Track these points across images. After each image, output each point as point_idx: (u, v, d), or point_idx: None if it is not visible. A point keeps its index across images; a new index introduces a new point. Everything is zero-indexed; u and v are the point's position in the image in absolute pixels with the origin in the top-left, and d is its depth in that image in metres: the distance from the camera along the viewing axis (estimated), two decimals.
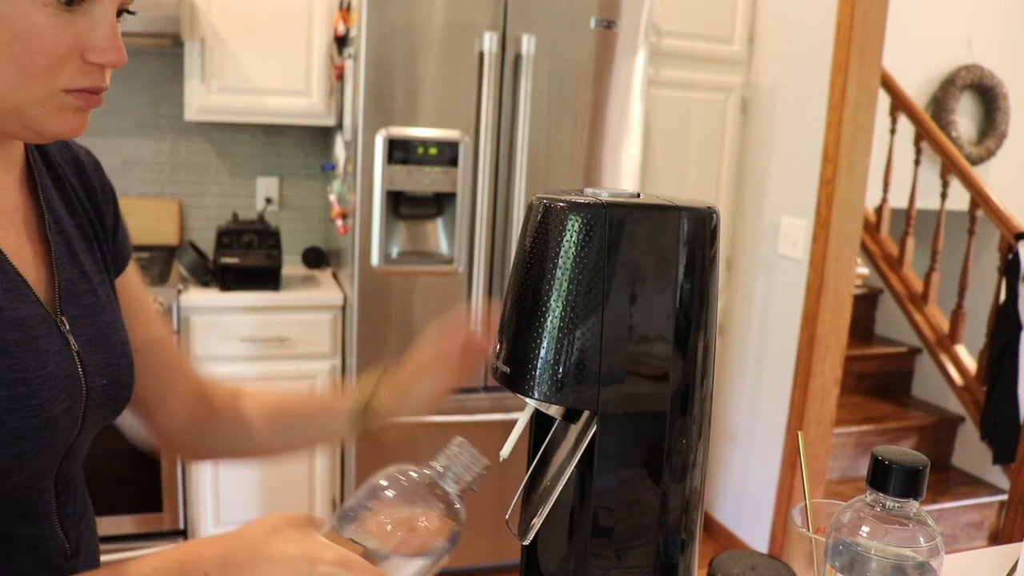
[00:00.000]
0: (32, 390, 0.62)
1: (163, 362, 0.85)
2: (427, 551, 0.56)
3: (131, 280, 0.83)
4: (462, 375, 0.84)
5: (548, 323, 0.55)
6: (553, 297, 0.55)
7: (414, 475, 0.57)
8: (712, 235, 0.58)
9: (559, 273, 0.55)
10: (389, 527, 0.56)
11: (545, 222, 0.56)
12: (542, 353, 0.55)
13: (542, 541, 0.67)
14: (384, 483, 0.57)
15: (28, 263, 0.67)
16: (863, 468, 3.29)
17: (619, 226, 0.54)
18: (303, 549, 0.55)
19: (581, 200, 0.56)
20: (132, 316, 0.81)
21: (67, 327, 0.68)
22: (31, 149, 0.72)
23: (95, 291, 0.73)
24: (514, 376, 0.57)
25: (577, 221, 0.54)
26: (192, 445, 0.91)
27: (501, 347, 0.59)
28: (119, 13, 0.65)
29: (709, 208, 0.58)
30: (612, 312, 0.54)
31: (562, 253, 0.54)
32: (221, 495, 2.48)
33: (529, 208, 0.58)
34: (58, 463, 0.68)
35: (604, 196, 0.58)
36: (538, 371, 0.55)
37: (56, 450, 0.66)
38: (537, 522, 0.61)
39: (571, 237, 0.54)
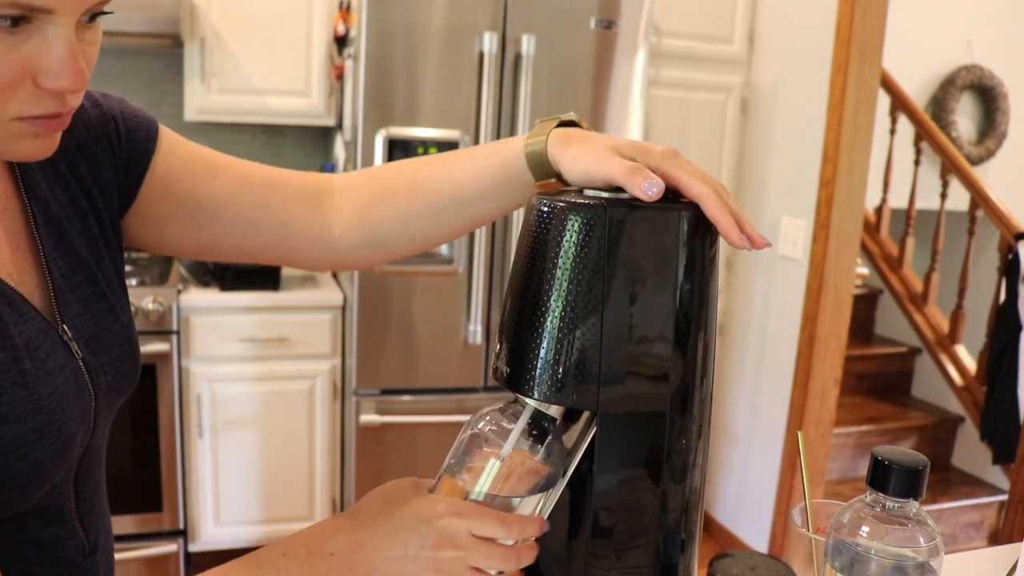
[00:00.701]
0: (50, 417, 0.60)
1: (260, 199, 0.76)
2: (532, 489, 0.57)
3: (169, 153, 0.74)
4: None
5: (548, 323, 0.55)
6: (553, 297, 0.55)
7: (504, 422, 0.58)
8: (712, 235, 0.58)
9: (559, 273, 0.55)
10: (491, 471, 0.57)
11: (545, 222, 0.56)
12: (542, 353, 0.55)
13: (542, 541, 0.67)
14: (477, 431, 0.59)
15: (22, 269, 0.63)
16: (863, 468, 3.29)
17: (619, 226, 0.54)
18: (415, 510, 0.56)
19: (581, 200, 0.56)
20: (193, 184, 0.74)
21: (69, 335, 0.65)
22: None
23: (92, 276, 0.69)
24: (514, 376, 0.57)
25: (577, 221, 0.54)
26: (369, 249, 0.80)
27: (501, 347, 0.59)
28: (93, 17, 0.56)
29: None
30: (612, 312, 0.54)
31: (562, 253, 0.54)
32: (221, 495, 2.48)
33: (528, 208, 0.58)
34: (76, 466, 0.67)
35: (604, 196, 0.58)
36: (538, 371, 0.55)
37: (75, 460, 0.65)
38: None
39: (571, 237, 0.54)
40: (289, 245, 0.79)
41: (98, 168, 0.71)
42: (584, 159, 0.62)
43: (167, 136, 0.76)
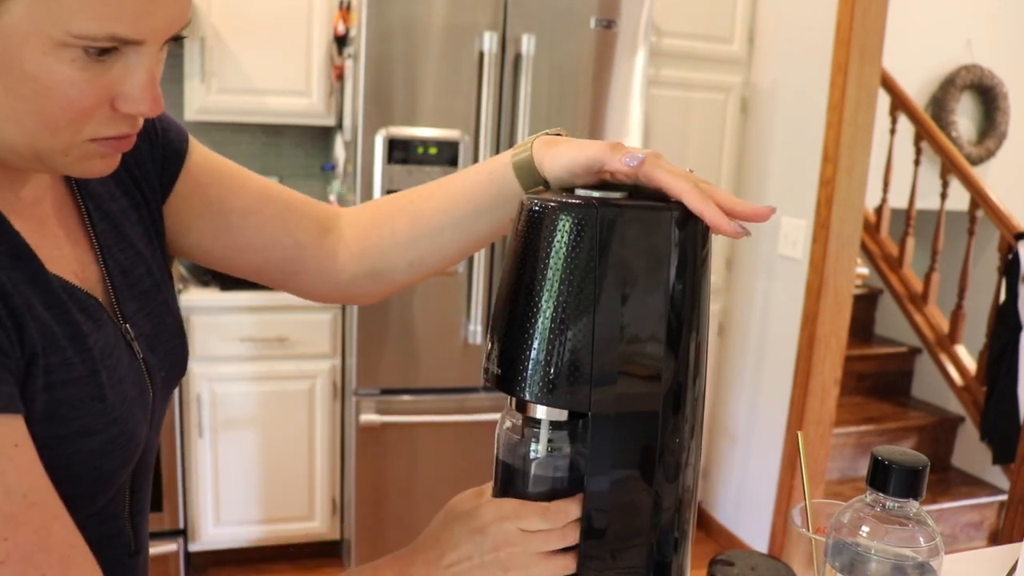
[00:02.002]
0: (123, 427, 0.60)
1: (280, 217, 0.78)
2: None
3: (199, 161, 0.75)
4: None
5: (539, 324, 0.55)
6: (544, 298, 0.55)
7: None
8: (704, 235, 0.58)
9: (550, 273, 0.54)
10: None
11: (536, 222, 0.56)
12: (533, 354, 0.55)
13: None
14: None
15: (84, 266, 0.63)
16: (863, 468, 3.29)
17: (610, 226, 0.54)
18: (467, 522, 0.60)
19: (572, 200, 0.55)
20: (220, 192, 0.75)
21: (131, 334, 0.65)
22: None
23: (149, 269, 0.69)
24: (505, 377, 0.57)
25: (568, 221, 0.54)
26: (370, 279, 0.81)
27: (492, 348, 0.59)
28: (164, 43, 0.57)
29: None
30: (604, 312, 0.54)
31: (553, 253, 0.54)
32: (221, 495, 2.48)
33: (520, 208, 0.58)
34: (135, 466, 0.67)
35: (595, 196, 0.58)
36: (529, 372, 0.55)
37: (136, 460, 0.65)
38: None
39: (562, 237, 0.54)
40: (298, 268, 0.79)
41: (141, 158, 0.71)
42: (567, 151, 0.64)
43: (197, 143, 0.78)
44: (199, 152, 0.76)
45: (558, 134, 0.70)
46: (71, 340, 0.58)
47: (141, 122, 0.58)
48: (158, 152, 0.73)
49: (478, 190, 0.73)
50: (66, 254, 0.63)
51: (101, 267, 0.65)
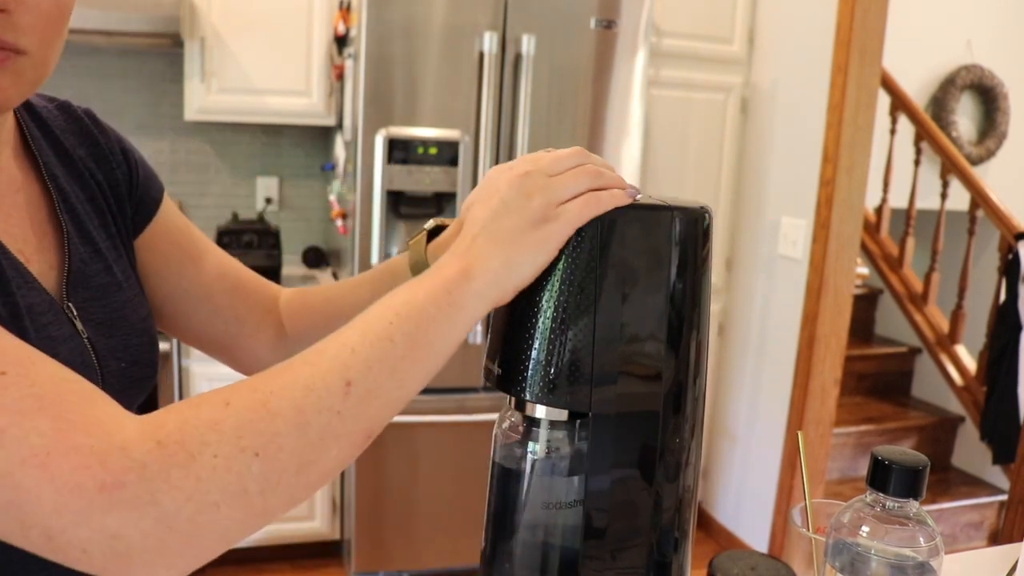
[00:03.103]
0: None
1: (228, 293, 0.81)
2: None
3: (168, 219, 0.79)
4: None
5: (540, 324, 0.55)
6: (545, 297, 0.55)
7: None
8: (704, 235, 0.58)
9: (551, 273, 0.55)
10: None
11: None
12: (534, 354, 0.55)
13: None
14: None
15: (32, 248, 0.65)
16: (863, 468, 3.29)
17: (611, 226, 0.54)
18: (486, 188, 0.56)
19: None
20: (180, 257, 0.78)
21: (74, 313, 0.66)
22: (26, 122, 0.68)
23: (110, 269, 0.70)
24: (506, 377, 0.57)
25: None
26: None
27: (492, 348, 0.59)
28: None
29: (702, 208, 0.58)
30: (604, 312, 0.54)
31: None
32: None
33: None
34: None
35: None
36: (530, 372, 0.55)
37: None
38: None
39: None
40: (236, 344, 0.83)
41: (115, 183, 0.74)
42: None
43: (170, 200, 0.81)
44: (171, 209, 0.80)
45: (439, 227, 0.70)
46: None
47: (9, 32, 0.56)
48: (137, 188, 0.76)
49: (382, 289, 0.76)
50: (28, 237, 0.64)
51: (64, 251, 0.66)
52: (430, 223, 0.67)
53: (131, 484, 0.42)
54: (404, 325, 0.51)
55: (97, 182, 0.72)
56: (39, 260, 0.65)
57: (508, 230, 0.54)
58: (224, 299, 0.81)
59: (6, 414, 0.43)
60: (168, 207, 0.80)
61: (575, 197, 0.55)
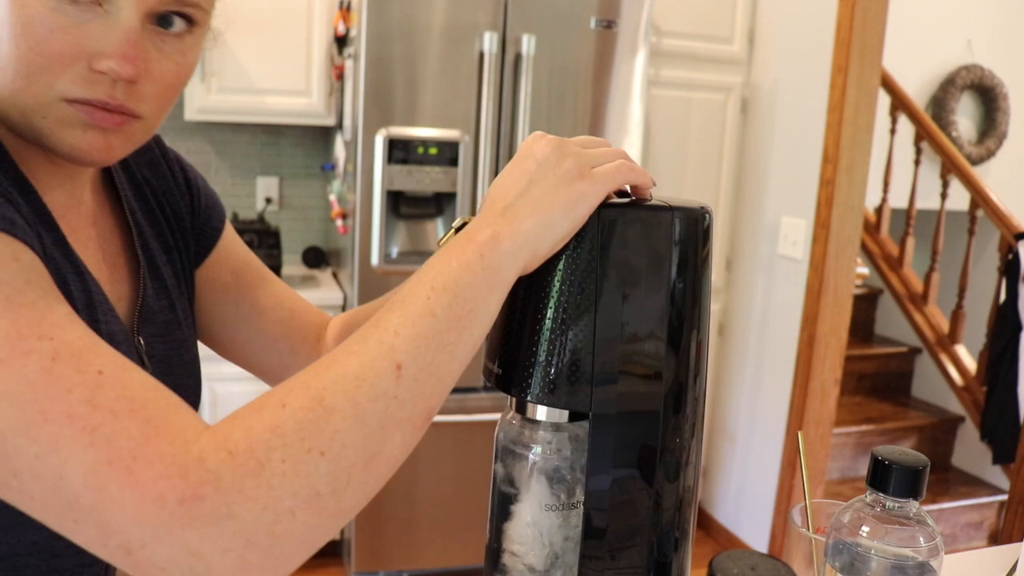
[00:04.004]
0: None
1: (283, 323, 0.81)
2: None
3: (228, 247, 0.79)
4: None
5: (540, 324, 0.55)
6: (545, 298, 0.55)
7: None
8: (704, 235, 0.58)
9: (551, 273, 0.55)
10: None
11: None
12: (534, 354, 0.55)
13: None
14: None
15: (104, 279, 0.64)
16: (863, 468, 3.29)
17: (611, 226, 0.54)
18: (516, 162, 0.56)
19: None
20: (239, 286, 0.78)
21: (143, 347, 0.66)
22: None
23: (173, 306, 0.71)
24: (506, 377, 0.57)
25: None
26: None
27: (493, 347, 0.59)
28: (162, 19, 0.57)
29: (702, 208, 0.58)
30: (604, 312, 0.54)
31: (554, 253, 0.54)
32: None
33: None
34: None
35: None
36: (530, 372, 0.55)
37: None
38: None
39: None
40: (288, 372, 0.82)
41: (180, 217, 0.75)
42: None
43: (231, 229, 0.81)
44: (230, 239, 0.80)
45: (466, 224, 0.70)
46: (86, 308, 0.59)
47: (126, 97, 0.56)
48: (199, 217, 0.76)
49: None
50: (102, 268, 0.65)
51: (139, 284, 0.67)
52: (458, 221, 0.66)
53: (209, 497, 0.42)
54: (442, 297, 0.50)
55: (165, 216, 0.73)
56: (111, 292, 0.65)
57: (542, 190, 0.53)
58: (278, 329, 0.81)
59: (100, 412, 0.42)
60: (228, 235, 0.80)
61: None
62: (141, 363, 0.65)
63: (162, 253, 0.72)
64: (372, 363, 0.47)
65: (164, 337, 0.69)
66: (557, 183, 0.53)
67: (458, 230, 0.63)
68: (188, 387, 0.71)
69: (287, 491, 0.43)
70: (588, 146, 0.56)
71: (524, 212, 0.52)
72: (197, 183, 0.77)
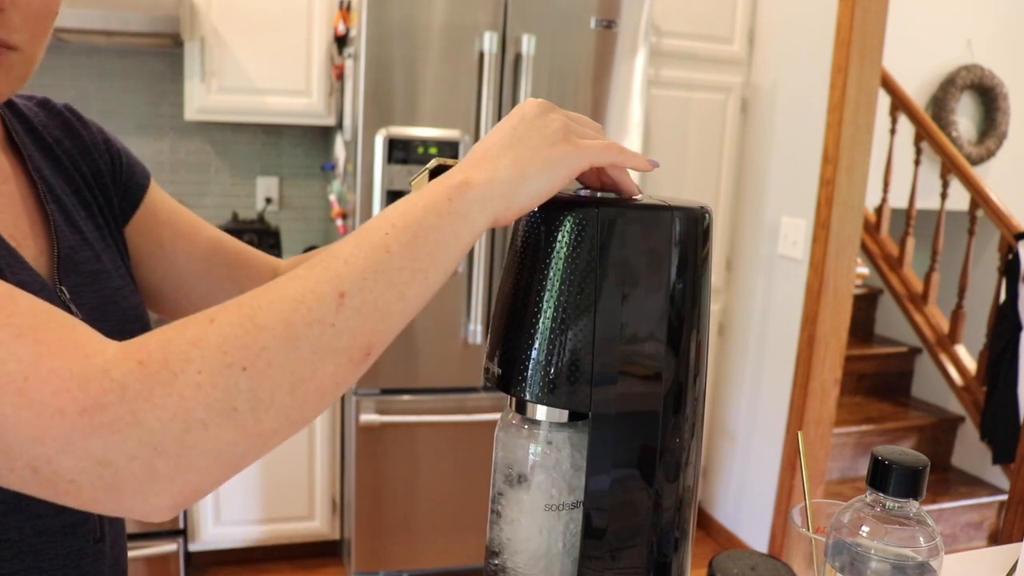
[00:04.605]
0: None
1: (227, 266, 0.81)
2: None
3: (156, 202, 0.79)
4: None
5: (540, 324, 0.55)
6: (545, 297, 0.55)
7: None
8: (704, 235, 0.58)
9: (551, 273, 0.54)
10: None
11: (536, 222, 0.56)
12: (534, 354, 0.55)
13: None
14: None
15: (24, 234, 0.65)
16: (863, 468, 3.29)
17: (611, 226, 0.54)
18: (539, 102, 0.56)
19: (573, 199, 0.56)
20: (172, 235, 0.79)
21: (67, 296, 0.66)
22: (9, 119, 0.70)
23: (99, 257, 0.71)
24: (505, 377, 0.57)
25: (569, 221, 0.54)
26: None
27: (492, 348, 0.59)
28: None
29: (702, 208, 0.58)
30: (604, 312, 0.54)
31: (553, 253, 0.54)
32: (221, 495, 2.48)
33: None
34: None
35: (596, 196, 0.58)
36: (529, 372, 0.55)
37: None
38: None
39: (563, 237, 0.54)
40: None
41: (99, 173, 0.75)
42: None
43: (158, 186, 0.81)
44: (159, 193, 0.80)
45: (442, 167, 0.67)
46: None
47: (10, 34, 0.58)
48: (120, 174, 0.77)
49: None
50: (20, 223, 0.65)
51: (52, 238, 0.67)
52: (432, 162, 0.64)
53: (112, 405, 0.41)
54: (401, 235, 0.48)
55: (82, 174, 0.73)
56: (30, 246, 0.65)
57: (524, 145, 0.52)
58: (223, 271, 0.81)
59: None
60: (156, 192, 0.80)
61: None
62: (68, 311, 0.64)
63: (80, 208, 0.72)
64: (314, 288, 0.46)
65: (92, 286, 0.69)
66: (540, 142, 0.52)
67: (432, 172, 0.62)
68: (131, 332, 0.70)
69: (200, 402, 0.42)
70: (580, 124, 0.56)
71: (501, 163, 0.51)
72: (116, 144, 0.78)
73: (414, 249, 0.49)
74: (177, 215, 0.81)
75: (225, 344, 0.43)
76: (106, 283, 0.70)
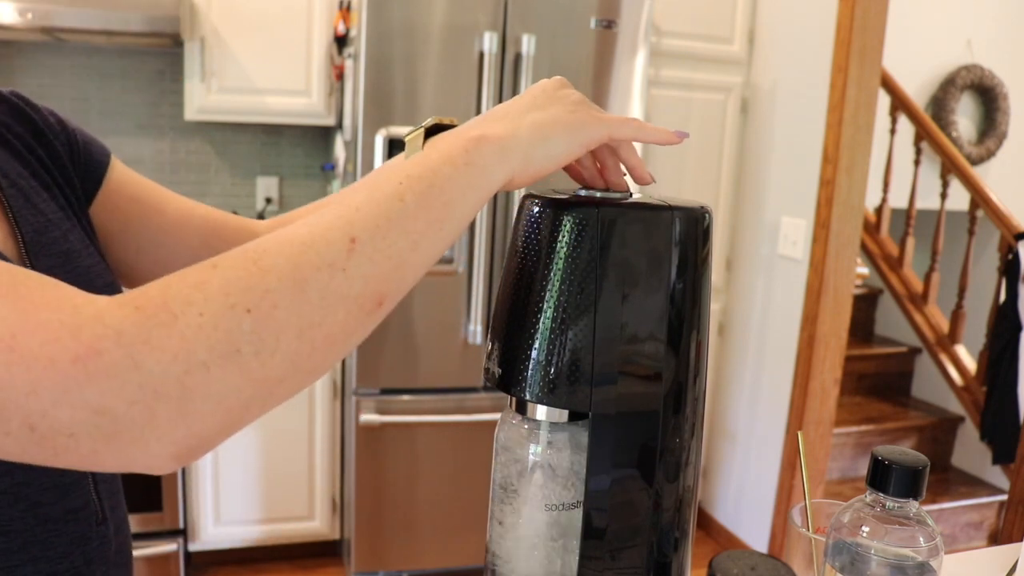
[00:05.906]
0: None
1: (201, 233, 0.79)
2: None
3: (120, 178, 0.77)
4: None
5: (540, 324, 0.55)
6: (545, 297, 0.55)
7: None
8: (704, 235, 0.58)
9: (551, 273, 0.54)
10: None
11: (537, 221, 0.56)
12: (534, 354, 0.55)
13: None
14: None
15: None
16: (863, 468, 3.29)
17: (611, 226, 0.54)
18: (559, 78, 0.56)
19: (573, 199, 0.56)
20: (140, 209, 0.77)
21: None
22: None
23: (66, 237, 0.69)
24: (505, 377, 0.57)
25: (569, 221, 0.54)
26: None
27: (492, 348, 0.59)
28: None
29: (702, 208, 0.58)
30: (604, 312, 0.54)
31: (554, 253, 0.54)
32: (221, 495, 2.48)
33: (520, 207, 0.58)
34: None
35: (596, 196, 0.58)
36: (530, 372, 0.55)
37: None
38: None
39: (563, 237, 0.54)
40: None
41: (56, 156, 0.73)
42: None
43: (119, 162, 0.80)
44: (121, 169, 0.79)
45: (439, 126, 0.63)
46: None
47: None
48: (79, 154, 0.75)
49: None
50: None
51: (13, 224, 0.65)
52: (428, 120, 0.62)
53: (108, 351, 0.39)
54: (416, 185, 0.47)
55: (37, 157, 0.72)
56: None
57: (545, 111, 0.51)
58: (197, 239, 0.79)
59: None
60: (118, 168, 0.79)
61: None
62: None
63: (41, 191, 0.70)
64: (324, 233, 0.45)
65: (64, 267, 0.68)
66: (562, 109, 0.52)
67: (428, 131, 0.60)
68: None
69: (202, 343, 0.41)
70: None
71: (523, 122, 0.51)
72: (70, 125, 0.77)
73: (429, 199, 0.48)
74: (142, 188, 0.79)
75: (228, 286, 0.42)
76: (78, 262, 0.69)
